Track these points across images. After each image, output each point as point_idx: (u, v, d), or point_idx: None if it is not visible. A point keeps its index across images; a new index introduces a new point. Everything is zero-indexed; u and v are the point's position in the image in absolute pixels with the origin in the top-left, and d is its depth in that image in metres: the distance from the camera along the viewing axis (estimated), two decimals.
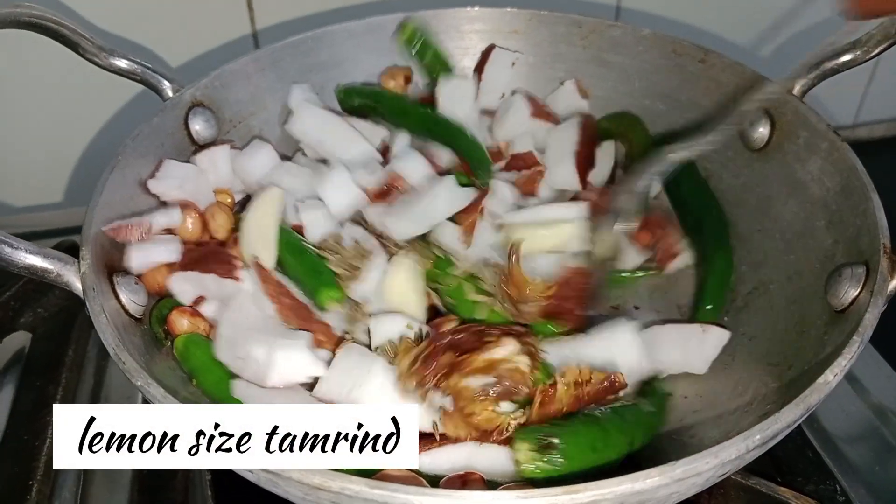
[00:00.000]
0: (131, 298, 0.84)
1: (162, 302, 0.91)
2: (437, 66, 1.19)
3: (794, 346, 0.88)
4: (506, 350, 0.76)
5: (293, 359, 0.81)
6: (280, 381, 0.81)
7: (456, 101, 1.13)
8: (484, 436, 0.75)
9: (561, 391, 0.77)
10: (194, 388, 0.83)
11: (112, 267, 0.85)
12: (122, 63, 0.99)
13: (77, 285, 0.79)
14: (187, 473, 0.97)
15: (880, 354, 1.11)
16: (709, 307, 1.00)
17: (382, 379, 0.78)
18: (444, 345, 0.76)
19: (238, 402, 0.81)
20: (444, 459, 0.77)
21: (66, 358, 1.12)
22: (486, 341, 0.77)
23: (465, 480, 0.75)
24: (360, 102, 1.16)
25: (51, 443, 1.00)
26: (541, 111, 1.15)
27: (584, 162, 1.10)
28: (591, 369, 0.80)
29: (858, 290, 0.81)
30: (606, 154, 1.13)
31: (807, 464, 0.96)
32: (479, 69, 1.20)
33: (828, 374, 0.69)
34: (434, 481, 0.76)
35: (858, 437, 1.01)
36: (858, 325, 0.74)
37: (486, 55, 1.20)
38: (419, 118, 1.11)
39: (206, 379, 0.84)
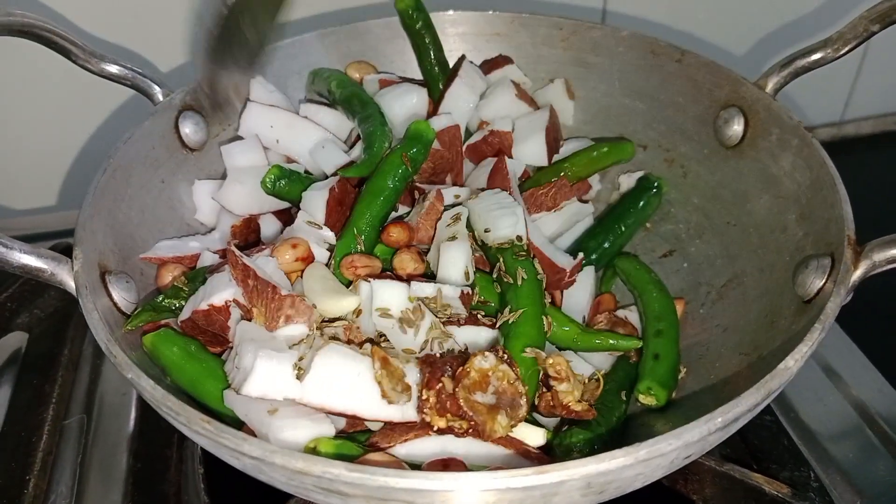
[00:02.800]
0: (122, 296, 0.86)
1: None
2: (430, 41, 1.19)
3: (765, 336, 0.90)
4: (488, 361, 0.79)
5: (274, 371, 0.78)
6: (257, 391, 0.77)
7: (458, 106, 1.14)
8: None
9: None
10: (169, 384, 0.84)
11: (104, 266, 0.87)
12: (112, 68, 1.01)
13: (70, 284, 0.81)
14: (180, 467, 0.99)
15: (859, 349, 1.14)
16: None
17: (370, 380, 0.78)
18: (438, 371, 0.79)
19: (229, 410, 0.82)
20: (421, 449, 0.79)
21: (61, 357, 1.15)
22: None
23: (446, 464, 0.77)
24: (317, 84, 1.16)
25: (47, 438, 1.03)
26: (524, 94, 1.18)
27: (553, 142, 1.13)
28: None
29: (824, 280, 0.83)
30: None
31: (782, 451, 0.99)
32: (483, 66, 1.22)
33: (788, 360, 0.71)
34: (418, 468, 0.78)
35: (835, 427, 1.04)
36: (820, 314, 0.76)
37: (498, 62, 1.22)
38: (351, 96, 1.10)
39: (180, 377, 0.84)
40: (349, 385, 0.78)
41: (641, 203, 1.12)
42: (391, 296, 0.85)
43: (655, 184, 1.13)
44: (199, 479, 0.94)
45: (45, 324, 1.20)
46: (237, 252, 0.85)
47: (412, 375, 0.80)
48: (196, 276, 0.94)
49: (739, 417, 0.68)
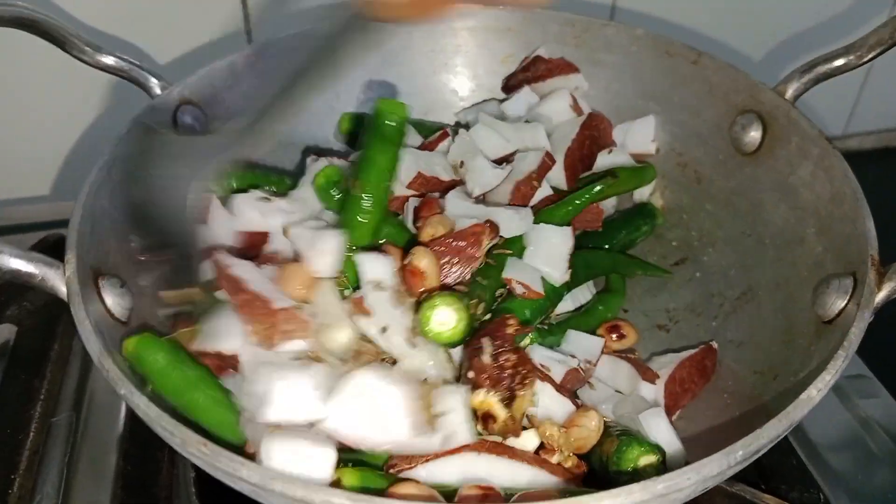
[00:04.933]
0: (116, 301, 0.83)
1: None
2: None
3: (780, 356, 0.88)
4: None
5: (293, 395, 0.74)
6: (277, 417, 0.73)
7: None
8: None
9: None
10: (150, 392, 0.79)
11: (98, 269, 0.84)
12: (109, 60, 0.98)
13: (62, 290, 0.78)
14: (172, 470, 0.97)
15: (864, 364, 1.11)
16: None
17: (404, 406, 0.75)
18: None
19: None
20: (442, 470, 0.76)
21: (51, 352, 1.11)
22: None
23: (485, 496, 0.74)
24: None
25: (34, 436, 1.00)
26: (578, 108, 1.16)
27: (577, 162, 1.09)
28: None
29: (845, 301, 0.81)
30: None
31: (791, 471, 0.97)
32: (520, 83, 1.19)
33: (811, 389, 0.69)
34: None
35: (842, 446, 1.02)
36: (844, 339, 0.73)
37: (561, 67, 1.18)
38: None
39: (164, 385, 0.79)
40: (379, 412, 0.74)
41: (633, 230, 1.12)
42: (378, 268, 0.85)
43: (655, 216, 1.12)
44: (191, 484, 0.91)
45: (35, 317, 1.17)
46: (224, 260, 0.82)
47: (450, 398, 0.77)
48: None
49: (760, 449, 0.65)
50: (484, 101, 1.23)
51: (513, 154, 1.07)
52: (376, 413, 0.74)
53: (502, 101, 1.20)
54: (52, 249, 0.80)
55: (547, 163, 1.05)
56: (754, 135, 1.03)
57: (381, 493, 0.65)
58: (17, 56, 1.25)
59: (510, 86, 1.21)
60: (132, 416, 1.03)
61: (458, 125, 1.16)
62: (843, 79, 0.98)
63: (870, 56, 0.95)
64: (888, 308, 0.79)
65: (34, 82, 1.28)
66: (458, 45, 1.20)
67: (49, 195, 1.41)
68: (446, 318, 0.84)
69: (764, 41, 1.51)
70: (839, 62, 0.97)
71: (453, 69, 1.22)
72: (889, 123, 1.70)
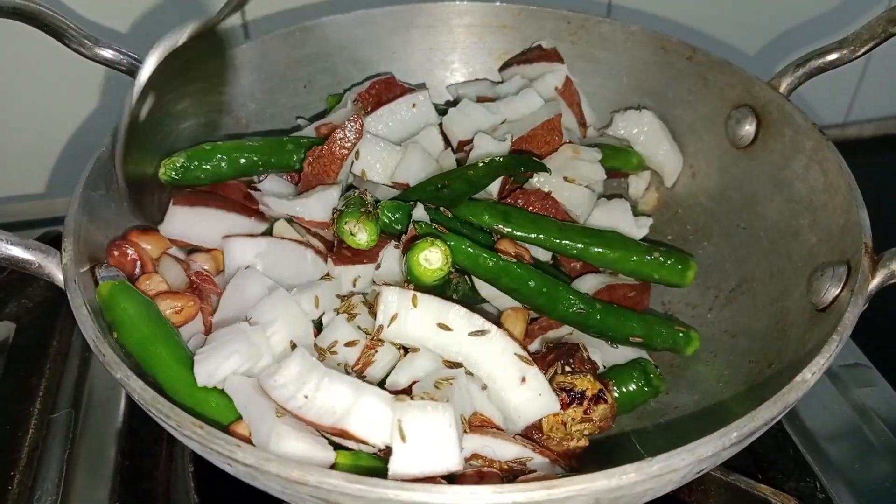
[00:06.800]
0: None
1: None
2: None
3: (775, 345, 0.88)
4: None
5: (372, 416, 0.72)
6: (357, 429, 0.72)
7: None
8: None
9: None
10: (113, 341, 0.78)
11: (94, 258, 0.84)
12: (107, 53, 0.98)
13: (59, 277, 0.78)
14: (170, 465, 0.97)
15: (862, 352, 1.12)
16: None
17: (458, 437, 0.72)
18: None
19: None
20: None
21: (50, 349, 1.11)
22: None
23: (482, 474, 0.75)
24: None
25: (34, 433, 1.00)
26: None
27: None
28: None
29: (839, 289, 0.81)
30: None
31: (787, 461, 0.97)
32: (512, 62, 1.20)
33: (805, 372, 0.69)
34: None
35: (839, 435, 1.01)
36: (838, 324, 0.74)
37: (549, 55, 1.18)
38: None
39: (130, 335, 0.78)
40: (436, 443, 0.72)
41: None
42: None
43: None
44: (189, 478, 0.91)
45: (33, 314, 1.17)
46: None
47: None
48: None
49: (755, 431, 0.65)
50: (476, 80, 1.23)
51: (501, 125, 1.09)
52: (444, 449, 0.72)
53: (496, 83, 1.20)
54: (50, 245, 0.80)
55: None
56: (748, 129, 1.04)
57: (376, 473, 0.64)
58: (9, 54, 1.25)
59: (505, 65, 1.22)
60: (131, 411, 1.03)
61: (447, 103, 1.17)
62: (844, 67, 0.98)
63: (863, 50, 0.95)
64: (886, 298, 0.80)
65: (29, 76, 1.29)
66: (455, 42, 1.21)
67: (45, 192, 1.41)
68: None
69: (759, 36, 1.51)
70: (832, 56, 0.97)
71: (449, 66, 1.23)
72: (888, 111, 1.71)
